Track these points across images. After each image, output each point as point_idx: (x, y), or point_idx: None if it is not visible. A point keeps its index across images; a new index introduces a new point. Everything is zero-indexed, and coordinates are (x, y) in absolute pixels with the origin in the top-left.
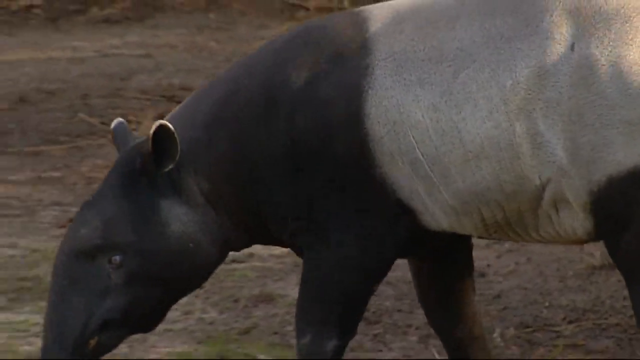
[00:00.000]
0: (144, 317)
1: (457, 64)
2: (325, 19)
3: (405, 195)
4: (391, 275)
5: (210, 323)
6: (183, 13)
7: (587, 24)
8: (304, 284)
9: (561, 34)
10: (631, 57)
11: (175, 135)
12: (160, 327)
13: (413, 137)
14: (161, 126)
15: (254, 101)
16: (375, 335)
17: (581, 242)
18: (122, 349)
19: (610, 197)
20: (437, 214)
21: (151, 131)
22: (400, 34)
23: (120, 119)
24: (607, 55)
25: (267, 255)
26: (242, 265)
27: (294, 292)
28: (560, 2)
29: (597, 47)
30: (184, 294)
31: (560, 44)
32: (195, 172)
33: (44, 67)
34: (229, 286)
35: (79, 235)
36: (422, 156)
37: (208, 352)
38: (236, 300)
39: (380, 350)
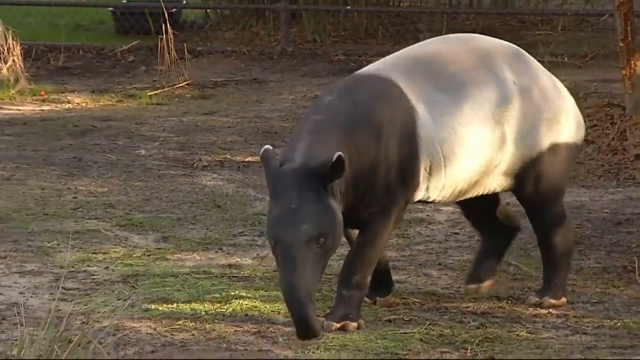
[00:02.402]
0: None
1: (460, 100)
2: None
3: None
4: None
5: None
6: None
7: (517, 69)
8: (370, 243)
9: (507, 76)
10: (543, 82)
11: (345, 163)
12: None
13: (440, 146)
14: (340, 157)
15: (368, 135)
16: None
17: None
18: None
19: (530, 165)
20: (431, 192)
21: (334, 159)
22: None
23: (269, 146)
24: (532, 83)
25: None
26: None
27: None
28: (500, 57)
29: (526, 79)
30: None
31: (509, 82)
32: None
33: None
34: None
35: (302, 229)
36: (443, 158)
37: None
38: None
39: None
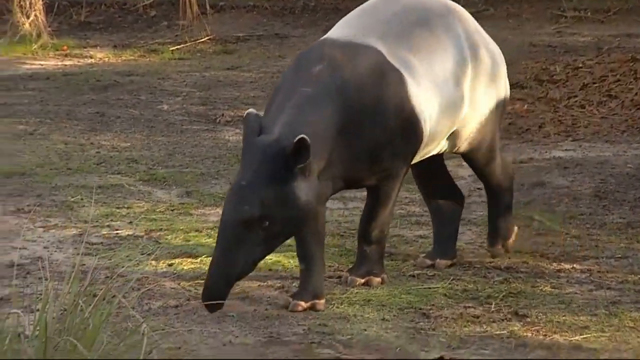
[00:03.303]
0: (265, 255)
1: (430, 61)
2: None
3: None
4: None
5: None
6: None
7: (465, 26)
8: (382, 204)
9: (461, 34)
10: (486, 38)
11: (310, 146)
12: None
13: (429, 105)
14: (303, 139)
15: (360, 111)
16: None
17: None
18: None
19: (479, 124)
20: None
21: (295, 142)
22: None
23: (252, 110)
24: (480, 40)
25: None
26: None
27: None
28: (451, 15)
29: (475, 37)
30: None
31: (463, 40)
32: (314, 156)
33: None
34: None
35: (242, 210)
36: (428, 117)
37: None
38: None
39: None
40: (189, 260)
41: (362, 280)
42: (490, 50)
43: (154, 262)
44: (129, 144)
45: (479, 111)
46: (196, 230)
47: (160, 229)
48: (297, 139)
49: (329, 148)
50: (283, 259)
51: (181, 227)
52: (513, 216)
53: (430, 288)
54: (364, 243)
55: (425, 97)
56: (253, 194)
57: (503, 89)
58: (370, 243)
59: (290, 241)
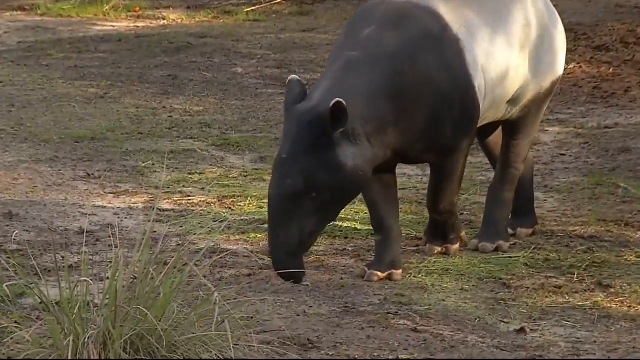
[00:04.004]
0: (324, 226)
1: (494, 23)
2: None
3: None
4: None
5: None
6: None
7: None
8: (447, 179)
9: (527, 2)
10: (550, 6)
11: (346, 109)
12: None
13: (484, 73)
14: (338, 103)
15: (413, 77)
16: None
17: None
18: None
19: (537, 95)
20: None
21: (330, 106)
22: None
23: (295, 76)
24: (544, 6)
25: None
26: None
27: None
28: None
29: (539, 3)
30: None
31: (528, 3)
32: (365, 122)
33: None
34: None
35: (285, 184)
36: (485, 84)
37: None
38: None
39: None
40: (263, 227)
41: (439, 249)
42: (554, 19)
43: (226, 230)
44: (201, 108)
45: (538, 79)
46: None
47: (233, 196)
48: (333, 102)
49: (377, 114)
50: (359, 225)
51: (254, 194)
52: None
53: (510, 257)
54: (435, 213)
55: (485, 62)
56: (294, 166)
57: (561, 62)
58: (441, 214)
59: (366, 208)
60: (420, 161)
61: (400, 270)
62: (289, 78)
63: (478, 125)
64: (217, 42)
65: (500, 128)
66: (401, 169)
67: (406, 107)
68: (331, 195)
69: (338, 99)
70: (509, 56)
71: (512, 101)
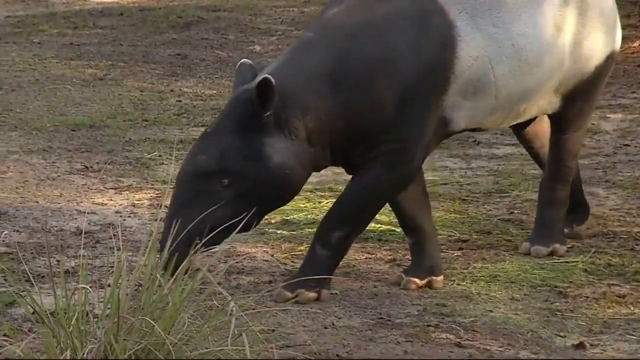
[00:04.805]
0: (240, 224)
1: (517, 8)
2: None
3: (450, 112)
4: None
5: None
6: None
7: None
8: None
9: None
10: None
11: (274, 87)
12: None
13: (490, 62)
14: (264, 79)
15: (370, 61)
16: None
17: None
18: None
19: (583, 81)
20: (470, 119)
21: (255, 84)
22: None
23: (246, 60)
24: None
25: None
26: None
27: None
28: None
29: None
30: (274, 208)
31: None
32: (303, 114)
33: None
34: None
35: (199, 159)
36: (494, 77)
37: None
38: None
39: None
40: (285, 228)
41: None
42: None
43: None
44: (214, 92)
45: (579, 65)
46: None
47: None
48: (259, 79)
49: (318, 103)
50: (396, 227)
51: None
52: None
53: (567, 262)
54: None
55: (495, 51)
56: (213, 142)
57: (609, 44)
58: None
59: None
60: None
61: (441, 277)
62: (240, 62)
63: (514, 122)
64: (232, 16)
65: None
66: (443, 161)
67: (353, 98)
68: (247, 188)
69: (265, 76)
70: (539, 41)
71: (551, 92)
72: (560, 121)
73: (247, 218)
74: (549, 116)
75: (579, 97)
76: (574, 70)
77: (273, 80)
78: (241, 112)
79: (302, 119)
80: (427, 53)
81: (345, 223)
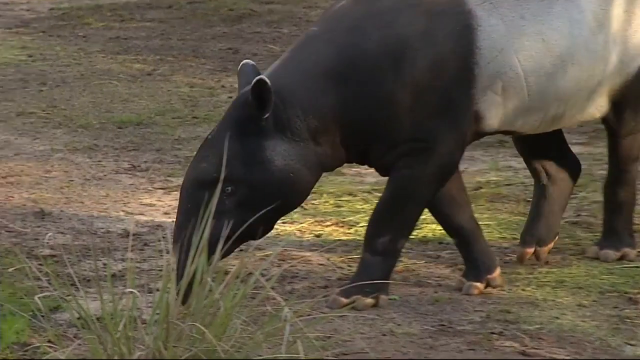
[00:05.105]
0: (249, 232)
1: (549, 1)
2: None
3: (483, 107)
4: None
5: None
6: None
7: None
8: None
9: None
10: None
11: (270, 87)
12: None
13: (517, 56)
14: (259, 80)
15: (375, 54)
16: None
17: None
18: None
19: (633, 82)
20: (502, 118)
21: (250, 86)
22: None
23: (248, 61)
24: None
25: None
26: None
27: None
28: None
29: None
30: (283, 214)
31: None
32: (305, 113)
33: None
34: None
35: (200, 168)
36: (524, 73)
37: None
38: None
39: None
40: (341, 230)
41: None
42: None
43: (298, 233)
44: None
45: (626, 64)
46: (349, 194)
47: None
48: (254, 81)
49: (323, 102)
50: None
51: (331, 190)
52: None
53: (638, 267)
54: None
55: (522, 46)
56: (214, 150)
57: None
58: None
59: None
60: (387, 168)
61: (497, 271)
62: (242, 63)
63: (555, 127)
64: (286, 9)
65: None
66: (507, 161)
67: (360, 95)
68: (251, 195)
69: (260, 77)
70: (574, 38)
71: (596, 94)
72: (613, 125)
73: (255, 225)
74: (602, 120)
75: (629, 98)
76: (620, 70)
77: (268, 81)
78: (240, 116)
79: (305, 118)
80: (441, 44)
81: (386, 228)
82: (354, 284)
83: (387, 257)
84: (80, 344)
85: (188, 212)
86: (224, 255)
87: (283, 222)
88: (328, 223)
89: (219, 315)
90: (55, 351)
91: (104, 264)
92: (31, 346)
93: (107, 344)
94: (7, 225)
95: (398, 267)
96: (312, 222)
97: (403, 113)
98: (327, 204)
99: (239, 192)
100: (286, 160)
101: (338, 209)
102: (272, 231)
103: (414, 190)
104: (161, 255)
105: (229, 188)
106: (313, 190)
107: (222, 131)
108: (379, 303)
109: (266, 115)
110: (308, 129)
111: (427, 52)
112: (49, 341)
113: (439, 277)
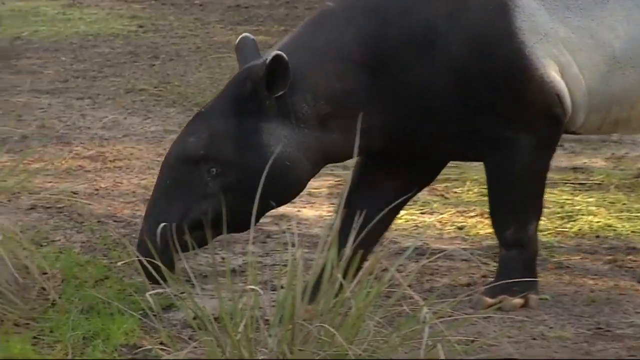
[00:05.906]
0: (233, 222)
1: None
2: None
3: (561, 89)
4: None
5: None
6: None
7: None
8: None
9: None
10: None
11: (289, 65)
12: None
13: (564, 47)
14: (277, 56)
15: (407, 35)
16: None
17: None
18: None
19: None
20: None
21: (267, 60)
22: None
23: (247, 34)
24: None
25: None
26: None
27: None
28: None
29: None
30: (273, 206)
31: None
32: (315, 98)
33: None
34: None
35: (187, 142)
36: (574, 60)
37: None
38: None
39: None
40: (486, 221)
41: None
42: None
43: (438, 224)
44: None
45: None
46: None
47: (447, 179)
48: (272, 55)
49: (340, 88)
50: (615, 222)
51: (475, 177)
52: None
53: None
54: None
55: (571, 32)
56: (204, 124)
57: None
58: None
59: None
60: (457, 158)
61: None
62: (240, 36)
63: (619, 131)
64: None
65: None
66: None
67: (394, 79)
68: (238, 180)
69: (278, 52)
70: (632, 38)
71: None
72: None
73: (238, 215)
74: None
75: None
76: None
77: (287, 58)
78: (240, 93)
79: (315, 104)
80: (473, 26)
81: (506, 219)
82: (500, 282)
83: (521, 248)
84: (195, 347)
85: (165, 190)
86: (197, 246)
87: (422, 213)
88: (472, 214)
89: (350, 316)
90: (169, 354)
91: (222, 258)
92: (141, 348)
93: (226, 347)
94: (115, 214)
95: (550, 264)
96: (453, 213)
97: (468, 103)
98: (470, 192)
99: (226, 175)
100: (285, 147)
101: (483, 198)
102: (407, 223)
103: (517, 174)
104: (285, 249)
105: (214, 169)
106: (455, 176)
107: (217, 106)
108: (528, 303)
109: (277, 95)
110: (317, 115)
111: (458, 35)
112: (161, 343)
113: (595, 274)
